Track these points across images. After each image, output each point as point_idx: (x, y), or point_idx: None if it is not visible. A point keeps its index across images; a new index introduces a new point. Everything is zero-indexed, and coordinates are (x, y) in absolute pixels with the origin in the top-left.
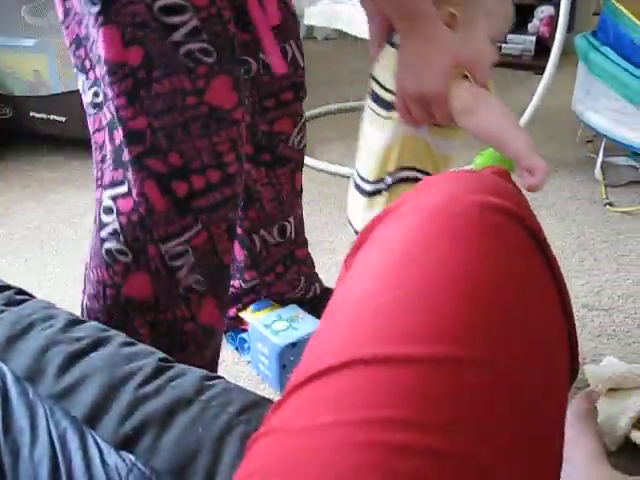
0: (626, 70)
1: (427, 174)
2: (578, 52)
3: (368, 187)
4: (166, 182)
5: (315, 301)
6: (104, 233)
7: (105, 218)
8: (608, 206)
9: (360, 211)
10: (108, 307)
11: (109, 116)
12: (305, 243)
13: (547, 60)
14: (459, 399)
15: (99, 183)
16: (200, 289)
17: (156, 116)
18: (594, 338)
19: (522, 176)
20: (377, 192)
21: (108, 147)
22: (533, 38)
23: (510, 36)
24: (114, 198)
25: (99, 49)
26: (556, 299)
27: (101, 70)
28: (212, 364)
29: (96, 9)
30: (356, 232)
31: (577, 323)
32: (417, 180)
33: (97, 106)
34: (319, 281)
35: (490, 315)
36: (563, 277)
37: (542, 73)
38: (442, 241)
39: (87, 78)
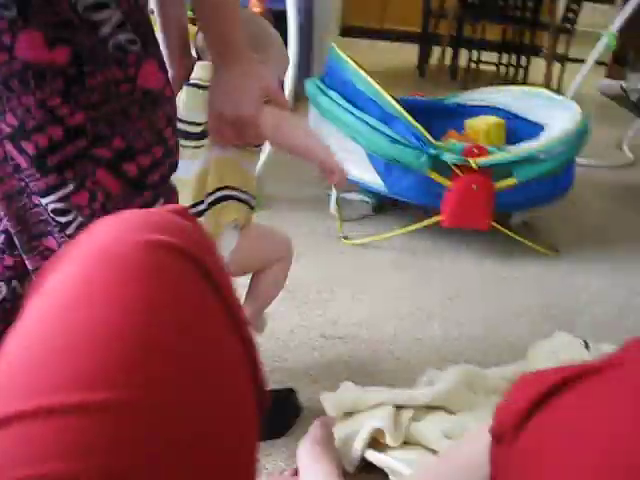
0: (351, 113)
1: (240, 191)
2: (308, 96)
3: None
4: (116, 166)
5: None
6: (70, 230)
7: (63, 219)
8: (344, 240)
9: None
10: None
11: (8, 128)
12: None
13: None
14: (113, 445)
15: (32, 192)
16: None
17: (94, 108)
18: (332, 365)
19: (327, 177)
20: (198, 214)
21: (20, 159)
22: None
23: None
24: (62, 199)
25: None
26: (234, 336)
27: (15, 78)
28: None
29: (12, 12)
30: None
31: (315, 352)
32: (233, 197)
33: None
34: None
35: (150, 356)
36: (243, 317)
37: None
38: (106, 284)
39: None
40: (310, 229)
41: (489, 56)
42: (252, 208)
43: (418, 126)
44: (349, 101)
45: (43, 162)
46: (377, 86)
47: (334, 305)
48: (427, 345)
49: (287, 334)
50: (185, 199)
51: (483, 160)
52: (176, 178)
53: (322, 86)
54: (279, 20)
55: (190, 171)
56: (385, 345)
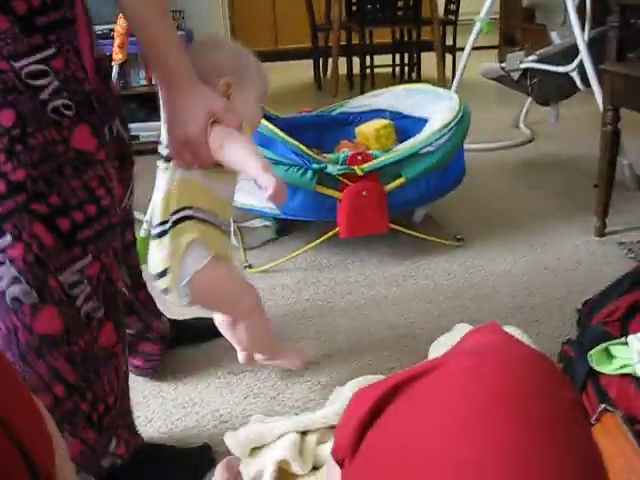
0: None
1: (204, 211)
2: None
3: (156, 230)
4: (50, 220)
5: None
6: (2, 284)
7: None
8: (248, 269)
9: (153, 252)
10: (22, 354)
11: None
12: (144, 286)
13: None
14: None
15: None
16: (99, 315)
17: (34, 166)
18: (242, 401)
19: (263, 193)
20: (163, 233)
21: None
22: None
23: (145, 124)
24: (3, 250)
25: None
26: None
27: None
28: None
29: None
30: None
31: (224, 390)
32: (194, 217)
33: None
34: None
35: None
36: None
37: None
38: None
39: None
40: None
41: (384, 59)
42: (224, 233)
43: (297, 144)
44: None
45: None
46: None
47: None
48: (337, 361)
49: (195, 378)
50: (157, 217)
51: (368, 165)
52: (156, 196)
53: None
54: None
55: (162, 190)
56: (298, 370)
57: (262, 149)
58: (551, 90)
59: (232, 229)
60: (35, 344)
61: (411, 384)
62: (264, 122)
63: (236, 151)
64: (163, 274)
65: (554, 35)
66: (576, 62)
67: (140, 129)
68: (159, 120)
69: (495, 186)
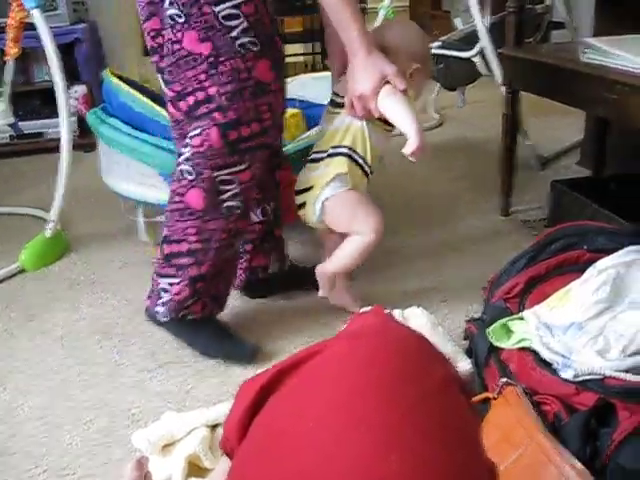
0: (133, 136)
1: (355, 152)
2: (91, 128)
3: (314, 155)
4: (224, 129)
5: (286, 276)
6: (181, 158)
7: (182, 150)
8: None
9: (305, 172)
10: (173, 210)
11: (173, 93)
12: (281, 225)
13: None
14: None
15: (177, 138)
16: (238, 212)
17: (221, 85)
18: (154, 398)
19: (406, 147)
20: (320, 160)
21: (178, 114)
22: (75, 118)
23: (50, 121)
24: (191, 137)
25: (183, 44)
26: None
27: (182, 60)
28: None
29: (181, 20)
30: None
31: (136, 389)
32: (346, 155)
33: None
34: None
35: None
36: None
37: (92, 151)
38: None
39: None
40: (123, 261)
41: (295, 48)
42: (367, 175)
43: None
44: (131, 125)
45: (190, 115)
46: (155, 105)
47: (152, 335)
48: None
49: (105, 378)
50: (317, 147)
51: None
52: (320, 134)
53: (102, 115)
54: (67, 54)
55: (328, 129)
56: (207, 363)
57: (167, 142)
58: (457, 75)
59: (142, 224)
60: (181, 208)
61: (294, 370)
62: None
63: (397, 107)
64: (306, 190)
65: (458, 21)
66: (477, 47)
67: (44, 126)
68: None
69: (405, 169)
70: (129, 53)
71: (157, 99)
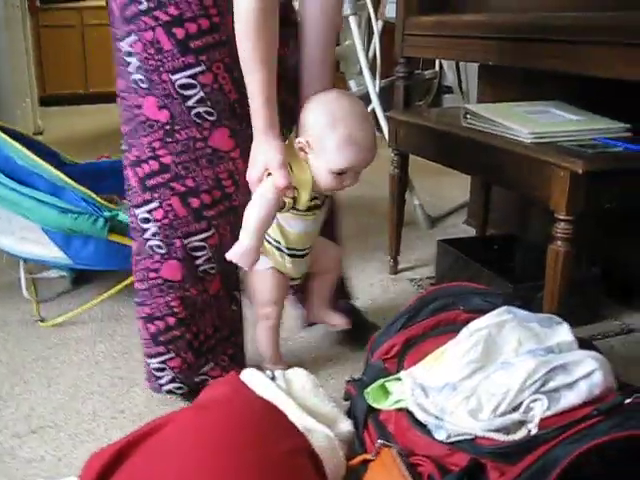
0: (14, 189)
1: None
2: None
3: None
4: (184, 197)
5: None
6: (147, 234)
7: (145, 225)
8: (40, 323)
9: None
10: (150, 287)
11: (132, 158)
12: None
13: None
14: None
15: (132, 205)
16: (213, 272)
17: (177, 155)
18: (25, 466)
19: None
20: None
21: (132, 180)
22: None
23: None
24: (149, 211)
25: (143, 109)
26: None
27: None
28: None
29: (144, 85)
30: None
31: (7, 456)
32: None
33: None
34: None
35: None
36: None
37: None
38: None
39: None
40: (2, 320)
41: None
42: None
43: (87, 191)
44: (14, 179)
45: (144, 183)
46: (36, 158)
47: (28, 397)
48: (130, 415)
49: None
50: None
51: None
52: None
53: None
54: None
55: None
56: (85, 426)
57: (52, 197)
58: None
59: (24, 281)
60: (159, 283)
61: (137, 446)
62: (51, 169)
63: (249, 211)
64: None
65: (352, 83)
66: (369, 109)
67: None
68: None
69: None
70: (23, 105)
71: (45, 153)
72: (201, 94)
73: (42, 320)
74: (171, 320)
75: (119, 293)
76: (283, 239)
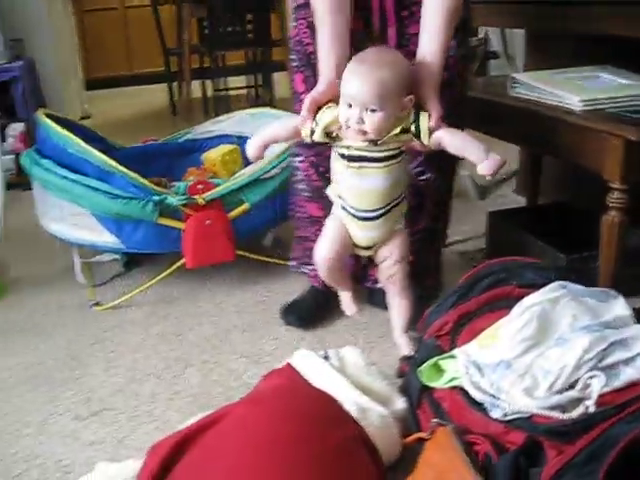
0: (65, 177)
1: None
2: (25, 169)
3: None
4: None
5: None
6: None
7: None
8: (95, 306)
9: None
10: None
11: None
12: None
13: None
14: None
15: None
16: None
17: None
18: (86, 448)
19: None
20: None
21: None
22: (13, 156)
23: None
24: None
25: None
26: None
27: None
28: None
29: None
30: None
31: (68, 439)
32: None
33: None
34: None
35: None
36: None
37: (30, 189)
38: None
39: None
40: (59, 304)
41: (239, 81)
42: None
43: (135, 176)
44: (64, 166)
45: None
46: (86, 145)
47: (87, 380)
48: (186, 396)
49: (37, 427)
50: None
51: (209, 194)
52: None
53: (35, 156)
54: (3, 91)
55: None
56: (143, 408)
57: (101, 183)
58: None
59: (78, 266)
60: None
61: (196, 438)
62: (100, 155)
63: None
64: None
65: None
66: None
67: None
68: None
69: None
70: (69, 89)
71: (93, 139)
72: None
73: (97, 304)
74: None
75: (170, 275)
76: (342, 193)
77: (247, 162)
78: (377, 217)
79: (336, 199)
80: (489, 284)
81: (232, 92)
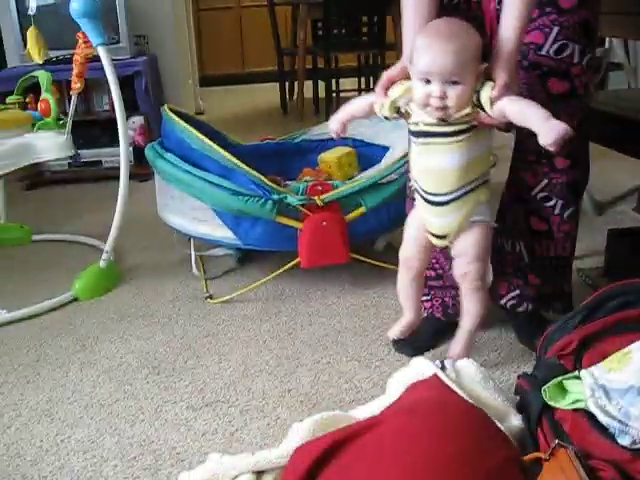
0: (188, 172)
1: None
2: (149, 161)
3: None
4: None
5: None
6: None
7: None
8: (209, 299)
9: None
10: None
11: None
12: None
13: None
14: None
15: None
16: None
17: None
18: (199, 438)
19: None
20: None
21: None
22: (130, 148)
23: (108, 149)
24: None
25: None
26: None
27: None
28: None
29: None
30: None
31: (182, 427)
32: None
33: None
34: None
35: None
36: None
37: (147, 180)
38: None
39: None
40: (174, 295)
41: (350, 82)
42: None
43: (257, 174)
44: (187, 161)
45: None
46: (210, 142)
47: (200, 372)
48: (297, 395)
49: (152, 413)
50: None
51: (327, 196)
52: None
53: (159, 149)
54: (126, 85)
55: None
56: (254, 403)
57: (223, 179)
58: None
59: (194, 259)
60: None
61: (348, 443)
62: (223, 153)
63: None
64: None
65: None
66: None
67: (103, 154)
68: None
69: None
70: (186, 85)
71: (212, 135)
72: None
73: (211, 297)
74: None
75: (283, 273)
76: (414, 175)
77: (363, 166)
78: (448, 202)
79: (413, 183)
80: (617, 306)
81: (344, 94)
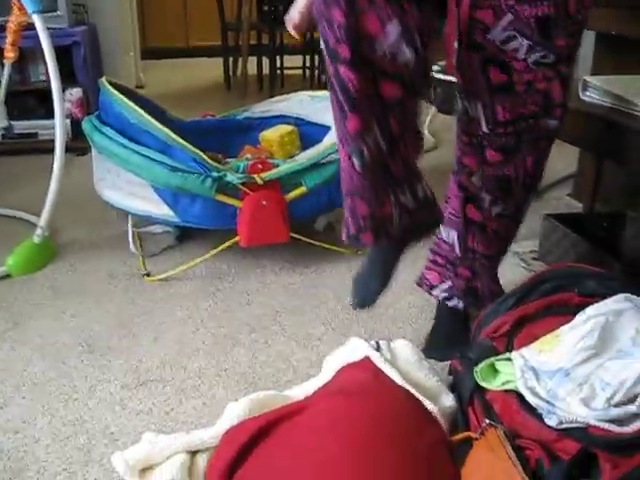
0: (126, 147)
1: None
2: (85, 134)
3: None
4: None
5: None
6: None
7: None
8: (146, 277)
9: None
10: None
11: None
12: None
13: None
14: None
15: None
16: None
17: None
18: (134, 418)
19: None
20: None
21: None
22: (68, 121)
23: (44, 122)
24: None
25: None
26: None
27: None
28: None
29: None
30: None
31: (117, 406)
32: None
33: None
34: None
35: None
36: None
37: (85, 154)
38: None
39: None
40: (110, 272)
41: (295, 60)
42: None
43: (197, 151)
44: (125, 135)
45: None
46: (149, 117)
47: (136, 350)
48: (233, 374)
49: (86, 392)
50: None
51: (268, 174)
52: None
53: (97, 123)
54: (64, 56)
55: None
56: (190, 382)
57: (160, 155)
58: (452, 99)
59: (131, 235)
60: None
61: (280, 425)
62: (162, 128)
63: None
64: None
65: None
66: None
67: (39, 126)
68: None
69: None
70: (127, 57)
71: (152, 109)
72: None
73: (148, 274)
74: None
75: (222, 252)
76: None
77: (305, 145)
78: None
79: None
80: (550, 289)
81: (288, 72)
